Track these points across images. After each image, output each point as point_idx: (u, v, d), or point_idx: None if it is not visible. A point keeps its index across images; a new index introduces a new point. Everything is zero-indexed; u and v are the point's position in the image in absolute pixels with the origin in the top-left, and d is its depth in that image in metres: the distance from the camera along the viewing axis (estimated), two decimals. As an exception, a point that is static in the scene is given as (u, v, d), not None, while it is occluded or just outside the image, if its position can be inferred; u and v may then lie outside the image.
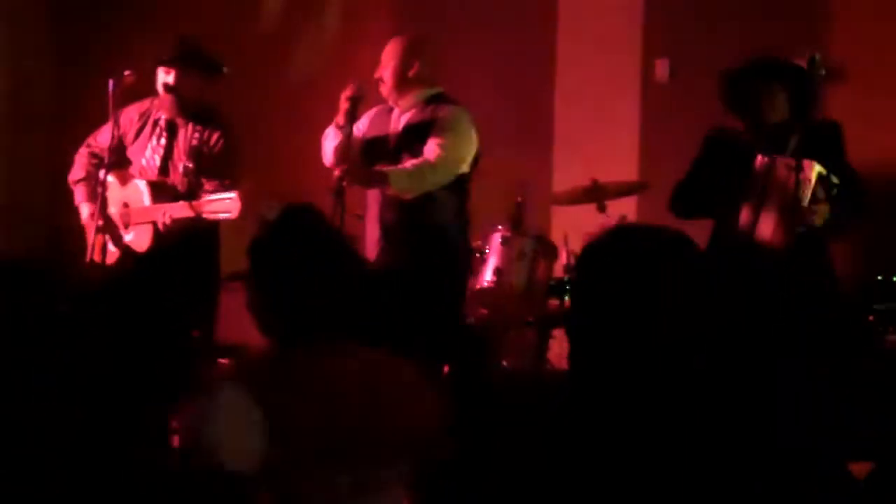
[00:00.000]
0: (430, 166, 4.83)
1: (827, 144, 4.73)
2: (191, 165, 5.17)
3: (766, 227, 4.65)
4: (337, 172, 4.81)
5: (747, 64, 4.86)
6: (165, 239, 5.10)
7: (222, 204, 4.92)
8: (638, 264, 1.93)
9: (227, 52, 5.72)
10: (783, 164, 4.65)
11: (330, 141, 5.01)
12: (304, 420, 2.47)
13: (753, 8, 6.48)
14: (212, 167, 5.19)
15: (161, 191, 5.21)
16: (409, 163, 4.85)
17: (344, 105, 4.92)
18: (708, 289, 1.92)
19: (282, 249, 2.66)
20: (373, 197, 5.00)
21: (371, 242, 4.97)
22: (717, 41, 6.56)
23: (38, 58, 6.57)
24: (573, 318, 2.03)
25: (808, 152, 4.64)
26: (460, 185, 5.02)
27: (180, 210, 5.05)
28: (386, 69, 4.99)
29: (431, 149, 4.85)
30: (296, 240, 2.67)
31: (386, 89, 5.01)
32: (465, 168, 5.01)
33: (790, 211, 4.57)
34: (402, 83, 4.98)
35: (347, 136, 4.91)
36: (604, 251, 1.98)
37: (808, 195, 4.57)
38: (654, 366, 1.91)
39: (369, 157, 5.01)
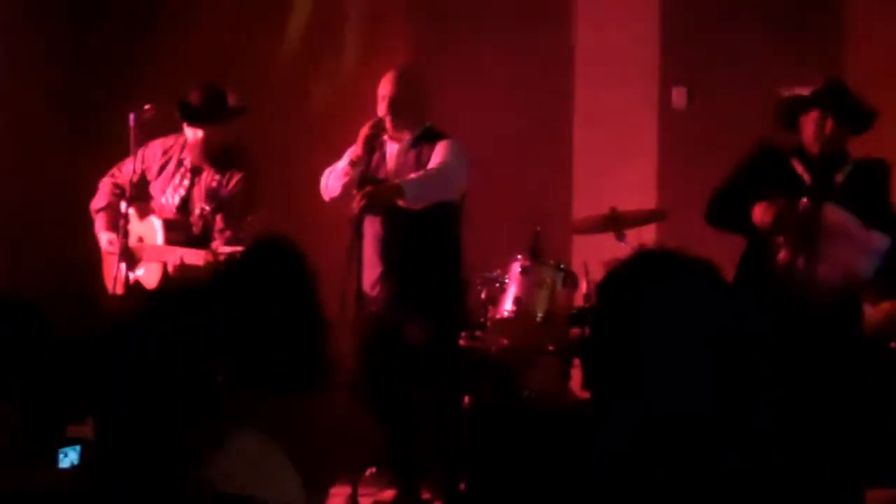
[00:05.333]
0: (434, 176, 4.93)
1: (873, 182, 4.66)
2: (207, 208, 5.21)
3: (801, 271, 4.56)
4: (356, 200, 4.86)
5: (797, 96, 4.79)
6: (173, 281, 5.12)
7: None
8: (661, 291, 1.92)
9: (247, 84, 5.76)
10: (835, 217, 4.57)
11: (338, 178, 5.05)
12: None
13: (769, 35, 6.49)
14: (227, 207, 5.22)
15: (175, 229, 5.24)
16: (415, 174, 4.93)
17: (363, 141, 4.97)
18: (731, 315, 1.91)
19: (245, 288, 2.61)
20: (372, 232, 5.02)
21: (371, 277, 5.00)
22: (733, 69, 6.58)
23: (57, 87, 6.62)
24: (594, 345, 2.02)
25: (855, 188, 4.61)
26: (455, 218, 5.10)
27: (193, 256, 5.07)
28: (383, 103, 5.04)
29: (433, 166, 4.96)
30: (256, 283, 2.61)
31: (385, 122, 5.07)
32: (461, 191, 5.05)
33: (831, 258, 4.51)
34: (399, 118, 5.02)
35: (363, 170, 4.96)
36: (625, 278, 1.97)
37: (869, 268, 4.52)
38: (675, 394, 1.90)
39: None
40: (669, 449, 1.89)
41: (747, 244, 4.77)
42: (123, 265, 5.19)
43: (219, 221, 5.23)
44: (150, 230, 5.32)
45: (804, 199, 4.57)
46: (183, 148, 5.39)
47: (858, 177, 4.67)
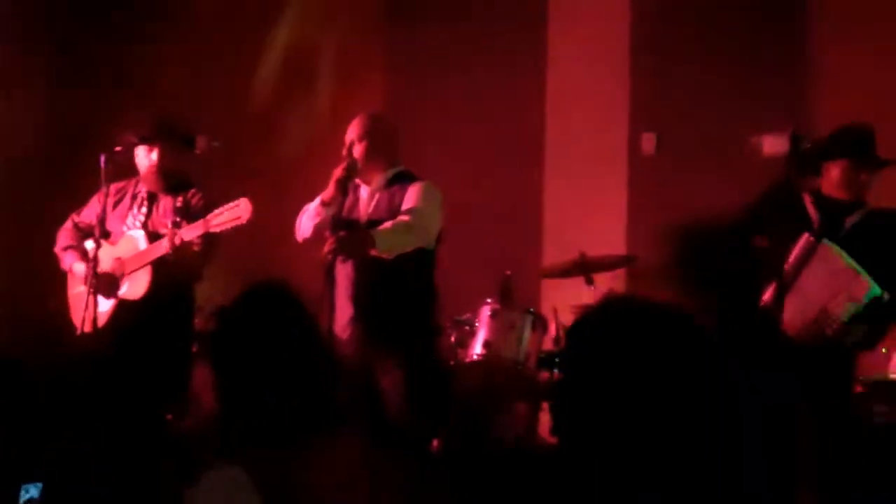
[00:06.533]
0: (407, 224, 4.90)
1: (884, 232, 4.67)
2: (178, 219, 5.22)
3: (789, 314, 4.54)
4: (327, 245, 4.85)
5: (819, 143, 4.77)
6: (165, 277, 5.14)
7: (231, 212, 4.97)
8: (631, 337, 1.94)
9: (221, 126, 5.79)
10: (827, 255, 4.56)
11: (310, 218, 5.06)
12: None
13: (736, 82, 6.57)
14: (195, 217, 5.22)
15: (157, 238, 5.26)
16: (389, 223, 4.91)
17: (335, 183, 4.98)
18: (702, 360, 1.92)
19: (245, 340, 2.60)
20: (344, 275, 5.01)
21: (342, 320, 4.98)
22: (701, 115, 6.65)
23: (31, 128, 6.65)
24: (562, 391, 2.02)
25: (863, 234, 4.62)
26: (428, 262, 5.08)
27: (186, 232, 5.09)
28: (351, 147, 5.06)
29: (406, 214, 4.93)
30: (260, 329, 2.61)
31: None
32: (434, 237, 5.05)
33: (819, 308, 4.51)
34: (369, 161, 5.04)
35: (335, 212, 4.97)
36: (596, 324, 1.99)
37: (848, 312, 4.50)
38: (646, 439, 1.91)
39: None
40: (640, 494, 1.90)
41: (740, 285, 4.78)
42: (91, 309, 5.17)
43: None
44: (128, 244, 5.33)
45: (806, 235, 4.61)
46: (136, 184, 5.48)
47: (869, 224, 4.69)
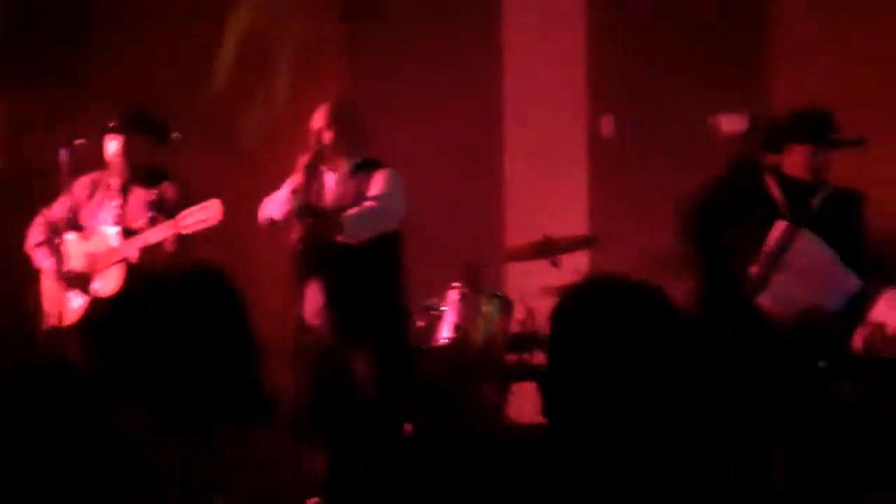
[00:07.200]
0: (374, 210, 4.98)
1: (848, 210, 4.72)
2: (154, 214, 5.20)
3: (770, 305, 4.62)
4: (296, 232, 4.89)
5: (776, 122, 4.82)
6: (138, 274, 5.11)
7: (202, 213, 4.97)
8: (615, 317, 1.96)
9: (181, 116, 5.76)
10: (809, 245, 4.62)
11: (279, 206, 5.07)
12: None
13: (696, 63, 6.63)
14: (172, 213, 5.20)
15: (131, 234, 5.23)
16: (356, 208, 4.96)
17: (303, 170, 5.00)
18: (687, 340, 1.95)
19: (176, 326, 2.63)
20: (312, 262, 5.04)
21: (313, 307, 5.01)
22: (658, 97, 6.71)
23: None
24: (550, 373, 2.04)
25: (831, 214, 4.66)
26: (396, 245, 5.14)
27: (155, 234, 5.08)
28: (318, 135, 5.08)
29: (372, 199, 5.00)
30: (190, 315, 2.63)
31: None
32: (399, 220, 5.10)
33: (806, 302, 4.56)
34: (336, 148, 5.07)
35: (302, 199, 4.99)
36: (577, 306, 2.01)
37: (837, 306, 4.56)
38: (633, 419, 1.94)
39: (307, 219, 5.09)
40: (630, 471, 1.92)
41: (709, 268, 4.80)
42: (60, 302, 5.15)
43: None
44: (101, 241, 5.29)
45: (784, 223, 4.63)
46: (109, 176, 5.43)
47: (834, 203, 4.71)
